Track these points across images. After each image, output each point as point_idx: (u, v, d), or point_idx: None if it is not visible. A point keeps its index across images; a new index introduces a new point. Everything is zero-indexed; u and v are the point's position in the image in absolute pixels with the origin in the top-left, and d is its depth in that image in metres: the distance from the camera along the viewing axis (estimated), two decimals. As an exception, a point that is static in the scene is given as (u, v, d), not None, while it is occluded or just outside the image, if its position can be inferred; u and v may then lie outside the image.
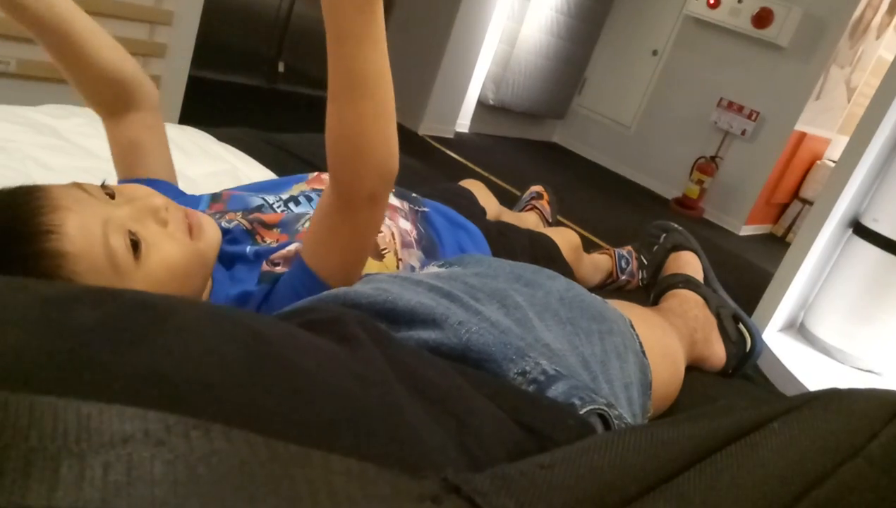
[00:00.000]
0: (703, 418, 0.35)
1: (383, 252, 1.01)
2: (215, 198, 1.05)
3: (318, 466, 0.24)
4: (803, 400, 0.38)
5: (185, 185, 1.31)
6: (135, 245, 0.70)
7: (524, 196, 2.03)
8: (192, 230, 0.80)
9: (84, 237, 0.65)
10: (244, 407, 0.28)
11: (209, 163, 1.48)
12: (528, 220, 1.79)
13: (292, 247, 0.92)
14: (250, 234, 0.96)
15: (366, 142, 0.74)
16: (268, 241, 0.96)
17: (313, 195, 1.08)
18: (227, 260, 0.94)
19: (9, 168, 1.14)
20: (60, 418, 0.21)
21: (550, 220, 1.91)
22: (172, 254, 0.74)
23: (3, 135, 1.27)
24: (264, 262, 0.90)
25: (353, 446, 0.29)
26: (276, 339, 0.34)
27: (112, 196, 0.74)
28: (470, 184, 1.67)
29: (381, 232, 1.02)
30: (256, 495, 0.21)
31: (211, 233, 0.82)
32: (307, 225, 0.98)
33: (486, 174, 4.33)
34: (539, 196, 1.97)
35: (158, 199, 0.77)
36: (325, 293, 0.65)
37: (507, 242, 1.32)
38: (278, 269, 0.89)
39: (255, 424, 0.27)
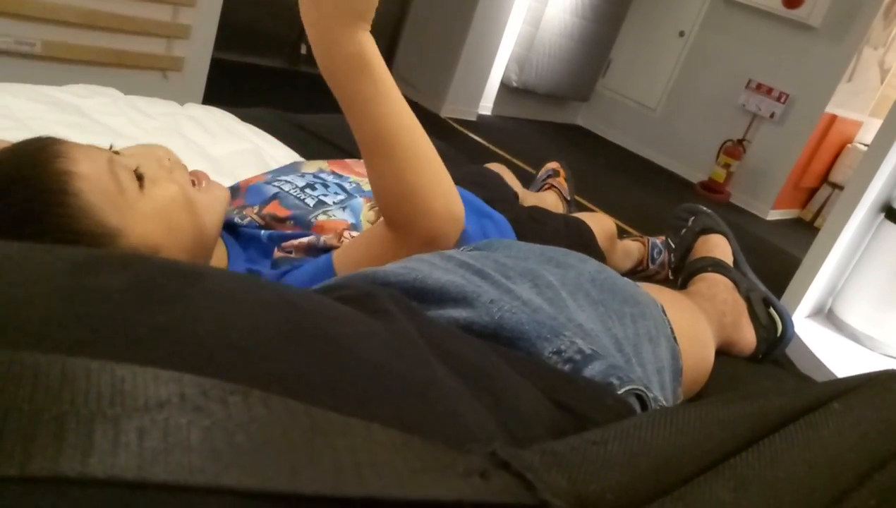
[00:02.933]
0: (758, 397, 0.33)
1: None
2: (234, 192, 1.05)
3: (360, 436, 0.22)
4: (861, 380, 0.36)
5: (209, 165, 1.31)
6: (139, 178, 0.74)
7: (540, 174, 1.99)
8: (199, 181, 0.83)
9: (90, 162, 0.70)
10: (280, 373, 0.27)
11: (233, 143, 1.47)
12: (548, 200, 1.76)
13: (305, 239, 0.91)
14: (263, 229, 0.96)
15: (409, 189, 0.75)
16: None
17: (330, 180, 1.06)
18: (244, 240, 0.94)
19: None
20: (94, 381, 0.20)
21: (568, 197, 1.88)
22: (175, 190, 0.77)
23: (27, 114, 1.28)
24: (276, 248, 0.90)
25: (393, 417, 0.28)
26: (309, 308, 0.33)
27: (117, 153, 0.78)
28: (494, 168, 1.64)
29: None
30: (297, 465, 0.20)
31: (217, 190, 0.85)
32: (321, 217, 0.97)
33: (508, 157, 4.30)
34: (556, 173, 1.94)
35: (161, 150, 0.80)
36: (354, 273, 0.64)
37: (539, 228, 1.30)
38: (292, 256, 0.89)
39: (292, 391, 0.26)
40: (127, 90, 1.62)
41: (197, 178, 0.84)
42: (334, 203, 1.01)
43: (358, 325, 0.35)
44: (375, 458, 0.22)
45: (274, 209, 0.99)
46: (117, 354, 0.24)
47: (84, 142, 0.79)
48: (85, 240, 0.68)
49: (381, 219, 0.80)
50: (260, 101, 1.97)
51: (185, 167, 0.83)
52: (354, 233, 0.96)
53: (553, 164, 2.00)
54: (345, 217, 0.99)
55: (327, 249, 0.92)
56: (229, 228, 0.96)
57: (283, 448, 0.21)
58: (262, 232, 0.94)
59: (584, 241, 1.36)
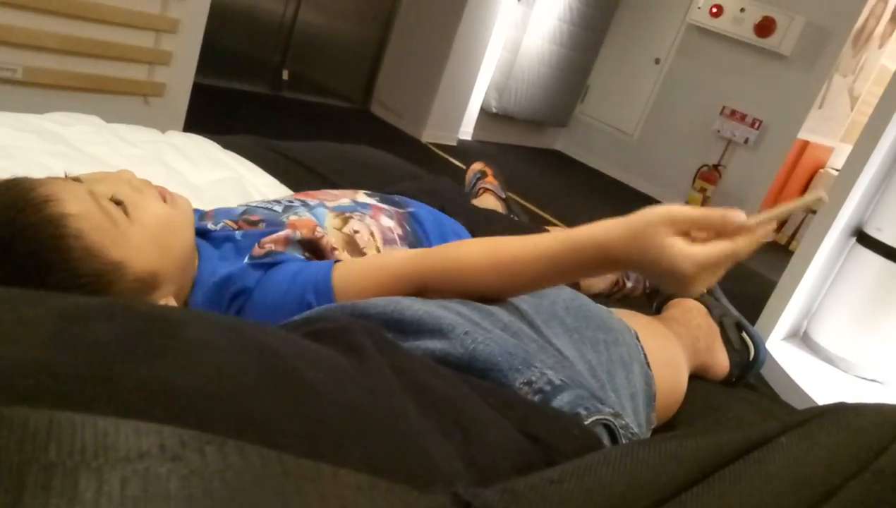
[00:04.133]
0: (710, 432, 0.35)
1: (364, 250, 1.02)
2: (202, 216, 1.06)
3: (328, 481, 0.24)
4: (810, 414, 0.38)
5: (190, 193, 1.32)
6: (117, 204, 0.76)
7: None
8: (164, 196, 0.85)
9: (79, 201, 0.71)
10: (256, 421, 0.28)
11: (215, 171, 1.48)
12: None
13: (282, 233, 0.93)
14: (234, 232, 0.98)
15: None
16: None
17: (296, 202, 1.08)
18: (216, 242, 0.95)
19: (15, 174, 1.14)
20: (78, 433, 0.21)
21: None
22: (155, 210, 0.80)
23: (9, 142, 1.28)
24: (256, 245, 0.91)
25: (363, 459, 0.30)
26: (284, 352, 0.35)
27: (78, 180, 0.79)
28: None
29: (358, 231, 1.03)
30: (271, 510, 0.22)
31: (182, 201, 0.87)
32: (291, 216, 0.99)
33: (489, 181, 4.33)
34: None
35: (126, 174, 0.83)
36: (335, 304, 0.65)
37: (493, 228, 1.32)
38: (269, 247, 0.90)
39: (267, 438, 0.27)
40: (108, 115, 1.62)
41: (162, 194, 0.86)
42: (300, 206, 1.04)
43: (332, 368, 0.36)
44: (343, 501, 0.23)
45: (246, 215, 1.01)
46: (102, 406, 0.25)
47: (71, 172, 0.80)
48: (92, 279, 0.68)
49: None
50: (242, 127, 1.99)
51: (151, 184, 0.85)
52: (322, 230, 0.98)
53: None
54: (312, 217, 1.01)
55: (304, 242, 0.94)
56: (201, 234, 0.97)
57: (256, 494, 0.22)
58: (237, 231, 0.96)
59: None
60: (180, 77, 2.77)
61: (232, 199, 1.36)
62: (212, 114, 3.47)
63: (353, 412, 0.33)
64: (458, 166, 4.55)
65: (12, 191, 0.69)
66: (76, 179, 0.77)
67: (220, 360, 0.31)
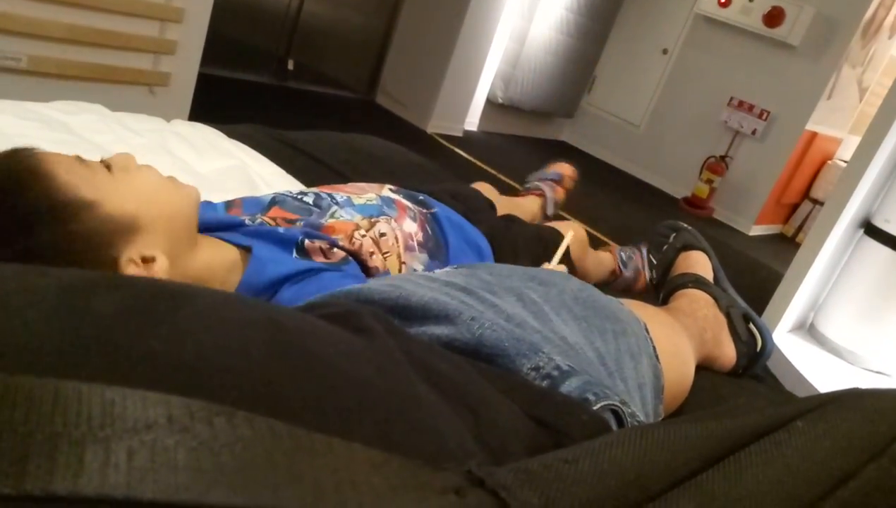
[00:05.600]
0: (725, 415, 0.34)
1: (386, 254, 1.02)
2: (229, 203, 1.06)
3: (341, 456, 0.23)
4: (825, 399, 0.37)
5: (195, 181, 1.31)
6: (107, 167, 0.79)
7: (550, 172, 1.92)
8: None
9: (60, 156, 0.76)
10: (265, 393, 0.28)
11: (219, 160, 1.48)
12: (524, 206, 1.76)
13: (340, 253, 0.94)
14: (276, 228, 0.98)
15: None
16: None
17: (325, 197, 1.09)
18: (259, 236, 0.95)
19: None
20: (84, 403, 0.21)
21: (550, 213, 1.87)
22: (147, 171, 0.82)
23: (14, 131, 1.27)
24: (306, 240, 0.92)
25: (374, 435, 0.29)
26: (293, 327, 0.34)
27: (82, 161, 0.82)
28: (477, 187, 1.66)
29: (384, 234, 1.03)
30: (280, 484, 0.21)
31: (188, 187, 0.89)
32: (329, 219, 1.00)
33: (494, 172, 4.32)
34: (560, 180, 1.91)
35: (129, 156, 0.84)
36: (339, 289, 0.65)
37: (513, 237, 1.32)
38: (320, 260, 0.91)
39: (277, 410, 0.27)
40: (113, 105, 1.62)
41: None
42: (332, 202, 1.05)
43: (341, 344, 0.36)
44: (355, 477, 0.23)
45: (278, 212, 1.01)
46: (108, 377, 0.25)
47: None
48: (63, 214, 0.71)
49: None
50: (246, 117, 1.98)
51: (154, 168, 0.87)
52: (362, 233, 0.99)
53: (565, 170, 1.93)
54: (348, 217, 1.02)
55: (343, 250, 0.96)
56: (233, 227, 0.97)
57: (267, 467, 0.22)
58: (279, 228, 0.96)
59: (555, 249, 1.39)
60: (185, 66, 2.77)
61: (237, 189, 1.36)
62: (217, 104, 3.47)
63: (364, 387, 0.32)
64: (463, 157, 4.54)
65: (7, 155, 0.74)
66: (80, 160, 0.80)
67: (228, 332, 0.31)
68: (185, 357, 0.27)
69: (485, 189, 1.65)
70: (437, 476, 0.25)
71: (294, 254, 0.92)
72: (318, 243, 0.94)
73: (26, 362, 0.24)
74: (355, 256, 0.97)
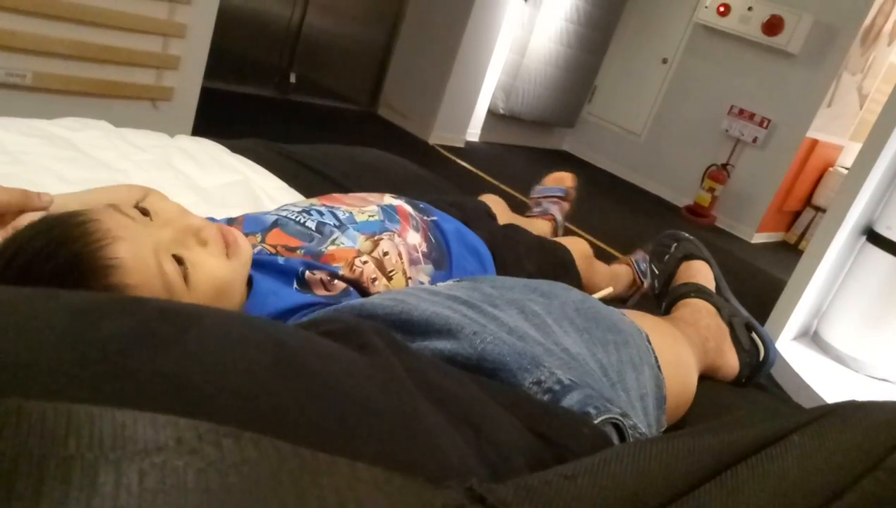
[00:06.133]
0: (722, 430, 0.35)
1: (391, 273, 1.03)
2: (231, 220, 1.07)
3: (345, 475, 0.24)
4: (821, 412, 0.38)
5: (199, 197, 1.33)
6: (180, 262, 0.74)
7: (550, 187, 1.89)
8: (228, 246, 0.82)
9: (142, 267, 0.69)
10: (270, 414, 0.29)
11: (223, 175, 1.49)
12: (535, 225, 1.76)
13: (341, 284, 0.94)
14: (276, 257, 0.98)
15: None
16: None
17: (324, 210, 1.09)
18: (257, 265, 0.95)
19: (26, 180, 1.15)
20: (97, 426, 0.22)
21: (559, 231, 1.87)
22: (215, 273, 0.78)
23: (19, 148, 1.29)
24: (307, 272, 0.92)
25: (377, 453, 0.30)
26: (297, 346, 0.35)
27: (146, 213, 0.76)
28: (488, 200, 1.65)
29: (387, 253, 1.04)
30: (286, 503, 0.22)
31: (245, 248, 0.85)
32: (330, 247, 1.00)
33: (496, 183, 4.34)
34: (566, 196, 1.90)
35: (195, 219, 0.80)
36: (342, 305, 0.65)
37: (512, 243, 1.32)
38: (321, 292, 0.92)
39: (282, 430, 0.27)
40: (117, 120, 1.64)
41: (227, 240, 0.83)
42: (334, 225, 1.04)
43: (344, 362, 0.37)
44: (359, 495, 0.23)
45: (279, 237, 1.01)
46: (118, 399, 0.26)
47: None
48: None
49: None
50: (250, 130, 1.99)
51: (218, 235, 0.82)
52: (364, 259, 0.99)
53: (566, 182, 1.90)
54: (350, 243, 1.02)
55: (344, 279, 0.96)
56: None
57: (273, 487, 0.22)
58: (278, 257, 0.96)
59: (560, 260, 1.39)
60: (188, 81, 2.79)
61: (241, 203, 1.37)
62: (220, 118, 3.49)
63: (366, 406, 0.33)
64: (465, 168, 4.56)
65: (82, 244, 0.66)
66: (144, 212, 0.75)
67: (234, 353, 0.31)
68: (193, 378, 0.28)
69: (494, 202, 1.65)
70: (438, 493, 0.26)
71: (295, 286, 0.92)
72: (318, 275, 0.94)
73: (39, 386, 0.25)
74: (356, 285, 0.98)
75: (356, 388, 0.34)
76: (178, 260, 0.74)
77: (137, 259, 0.68)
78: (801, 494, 0.31)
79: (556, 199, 1.87)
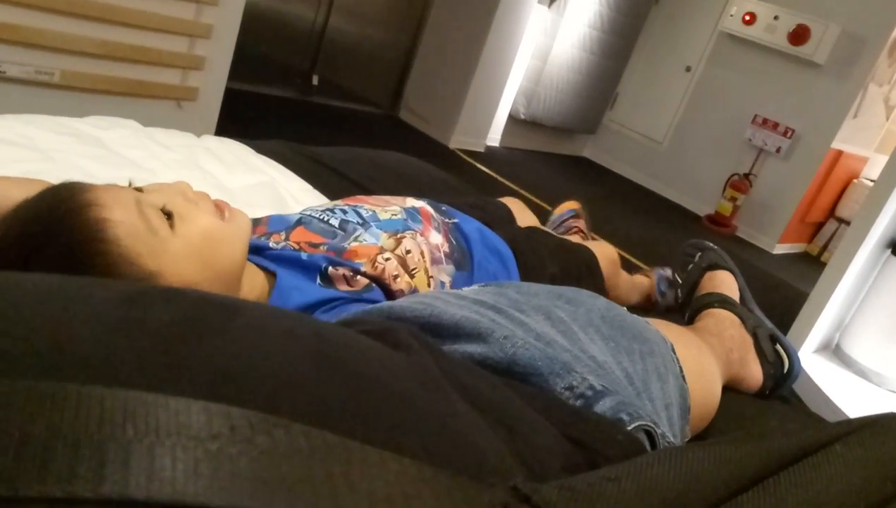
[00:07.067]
0: (763, 438, 0.34)
1: (413, 271, 1.03)
2: (256, 221, 1.08)
3: (392, 469, 0.24)
4: (863, 423, 0.37)
5: (225, 196, 1.33)
6: (168, 215, 0.76)
7: (560, 214, 1.95)
8: (221, 211, 0.85)
9: (122, 208, 0.72)
10: (314, 406, 0.29)
11: (249, 175, 1.50)
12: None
13: (363, 280, 0.95)
14: (299, 253, 0.99)
15: None
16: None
17: (348, 208, 1.10)
18: (282, 261, 0.96)
19: (55, 177, 1.17)
20: (152, 413, 0.22)
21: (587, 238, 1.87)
22: (205, 223, 0.80)
23: (50, 145, 1.31)
24: (330, 267, 0.93)
25: (419, 449, 0.30)
26: (337, 341, 0.35)
27: (139, 189, 0.80)
28: (508, 201, 1.66)
29: (410, 251, 1.04)
30: (339, 493, 0.22)
31: (240, 217, 0.87)
32: (353, 243, 1.00)
33: (515, 188, 4.33)
34: (576, 215, 1.92)
35: (183, 185, 0.83)
36: (371, 307, 0.66)
37: (534, 244, 1.32)
38: (344, 288, 0.92)
39: (328, 423, 0.27)
40: (142, 118, 1.66)
41: (220, 208, 0.86)
42: (357, 222, 1.05)
43: (384, 358, 0.37)
44: (406, 490, 0.23)
45: (302, 234, 1.02)
46: (172, 387, 0.26)
47: (106, 180, 0.81)
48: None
49: None
50: (272, 131, 2.01)
51: (208, 197, 0.85)
52: (387, 256, 1.00)
53: (573, 205, 1.95)
54: (373, 240, 1.03)
55: (366, 275, 0.96)
56: (257, 250, 0.98)
57: (325, 479, 0.22)
58: (302, 253, 0.97)
59: (588, 266, 1.38)
60: (213, 82, 2.82)
61: (266, 204, 1.38)
62: (243, 118, 3.52)
63: (406, 401, 0.33)
64: (485, 172, 4.56)
65: (62, 192, 0.70)
66: (137, 189, 0.78)
67: (277, 344, 0.32)
68: (240, 368, 0.28)
69: (514, 204, 1.65)
70: (484, 490, 0.26)
71: (318, 282, 0.93)
72: (341, 270, 0.94)
73: (96, 372, 0.25)
74: (378, 281, 0.98)
75: (396, 384, 0.34)
76: (167, 214, 0.76)
77: (115, 199, 0.72)
78: (843, 503, 0.30)
79: (571, 219, 1.89)
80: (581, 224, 1.87)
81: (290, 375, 0.29)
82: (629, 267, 1.74)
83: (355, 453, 0.24)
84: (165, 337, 0.28)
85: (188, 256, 0.76)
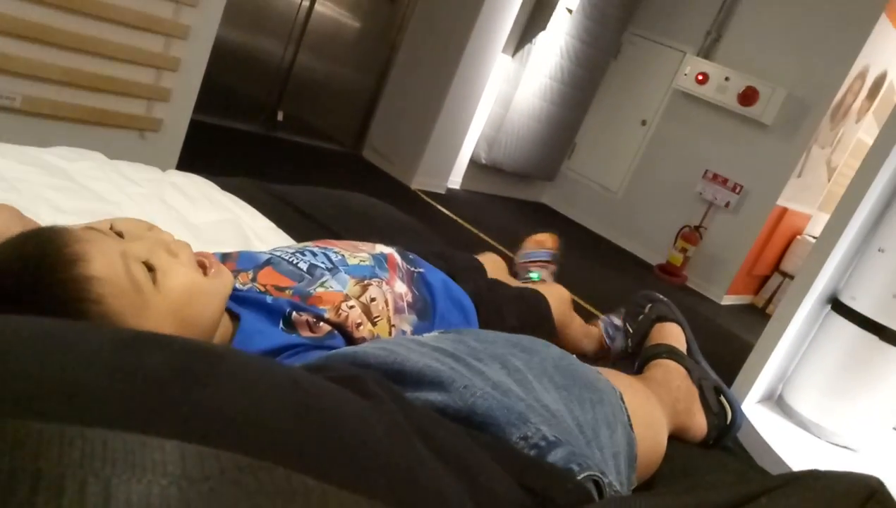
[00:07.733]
0: (698, 489, 0.38)
1: (376, 319, 1.05)
2: (226, 255, 1.09)
3: (366, 514, 0.26)
4: (787, 478, 0.41)
5: (189, 233, 1.34)
6: (149, 268, 0.76)
7: (538, 252, 1.89)
8: (205, 268, 0.85)
9: (108, 263, 0.71)
10: (293, 449, 0.31)
11: (214, 212, 1.51)
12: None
13: (325, 327, 0.96)
14: (265, 296, 1.00)
15: None
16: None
17: (317, 251, 1.11)
18: (247, 303, 0.97)
19: (21, 208, 1.16)
20: (147, 455, 0.24)
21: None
22: (186, 279, 0.80)
23: (15, 175, 1.30)
24: (294, 313, 0.94)
25: (388, 493, 0.32)
26: (310, 388, 0.37)
27: (121, 235, 0.80)
28: (486, 258, 1.66)
29: (375, 299, 1.06)
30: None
31: (225, 276, 0.87)
32: (319, 289, 1.02)
33: (475, 230, 4.40)
34: (556, 259, 1.91)
35: (165, 235, 0.83)
36: (335, 352, 0.68)
37: (495, 297, 1.36)
38: (306, 334, 0.93)
39: (304, 466, 0.30)
40: (103, 147, 1.65)
41: (203, 263, 0.86)
42: (326, 267, 1.06)
43: (355, 408, 0.39)
44: (380, 534, 0.26)
45: (270, 276, 1.02)
46: (165, 430, 0.28)
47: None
48: None
49: None
50: (235, 165, 2.02)
51: (189, 249, 0.85)
52: (351, 303, 1.01)
53: (552, 247, 1.91)
54: (338, 287, 1.04)
55: (329, 323, 0.97)
56: None
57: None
58: (267, 296, 0.98)
59: (539, 311, 1.42)
60: (178, 114, 2.81)
61: (231, 241, 1.39)
62: (205, 151, 3.50)
63: (376, 448, 0.35)
64: (445, 214, 4.62)
65: (50, 243, 0.70)
66: (119, 233, 0.79)
67: (258, 391, 0.34)
68: (228, 414, 0.30)
69: (492, 262, 1.67)
70: (448, 536, 0.28)
71: (281, 326, 0.94)
72: (304, 316, 0.95)
73: (95, 414, 0.27)
74: (341, 328, 1.00)
75: (366, 432, 0.36)
76: (149, 268, 0.76)
77: (102, 255, 0.71)
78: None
79: (542, 264, 1.90)
80: (547, 274, 1.88)
81: (268, 420, 0.32)
82: (582, 313, 1.78)
83: (331, 496, 0.26)
84: (157, 381, 0.31)
85: (168, 315, 0.77)
